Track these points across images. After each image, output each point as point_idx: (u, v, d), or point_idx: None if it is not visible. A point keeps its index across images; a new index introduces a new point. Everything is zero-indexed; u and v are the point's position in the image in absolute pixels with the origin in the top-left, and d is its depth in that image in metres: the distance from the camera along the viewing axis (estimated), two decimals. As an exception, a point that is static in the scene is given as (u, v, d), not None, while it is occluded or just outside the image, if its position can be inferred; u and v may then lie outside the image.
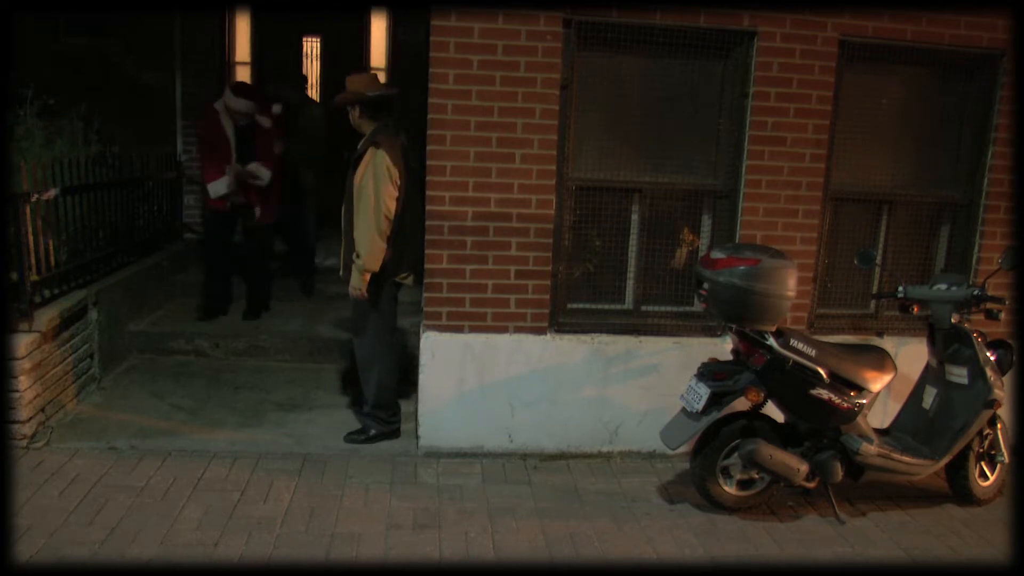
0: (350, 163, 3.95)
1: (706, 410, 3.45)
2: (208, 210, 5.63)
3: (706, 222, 4.26)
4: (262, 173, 5.40)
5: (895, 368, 3.67)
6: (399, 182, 3.84)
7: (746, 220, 4.13)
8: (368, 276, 3.85)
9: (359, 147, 3.93)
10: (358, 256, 3.83)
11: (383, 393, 4.15)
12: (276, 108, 5.65)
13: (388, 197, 3.80)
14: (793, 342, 3.45)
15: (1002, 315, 3.78)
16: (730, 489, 3.63)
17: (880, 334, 4.37)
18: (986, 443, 3.87)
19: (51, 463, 3.76)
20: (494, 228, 3.96)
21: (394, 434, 4.24)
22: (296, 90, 6.34)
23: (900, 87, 4.29)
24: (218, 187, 5.32)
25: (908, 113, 4.34)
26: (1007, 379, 3.77)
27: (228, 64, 7.25)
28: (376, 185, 3.78)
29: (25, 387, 3.84)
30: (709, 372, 3.53)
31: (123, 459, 3.85)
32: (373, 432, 4.19)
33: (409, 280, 4.11)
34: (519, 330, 4.06)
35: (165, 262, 5.90)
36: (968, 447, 3.76)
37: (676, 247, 4.28)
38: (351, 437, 4.18)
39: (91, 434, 4.09)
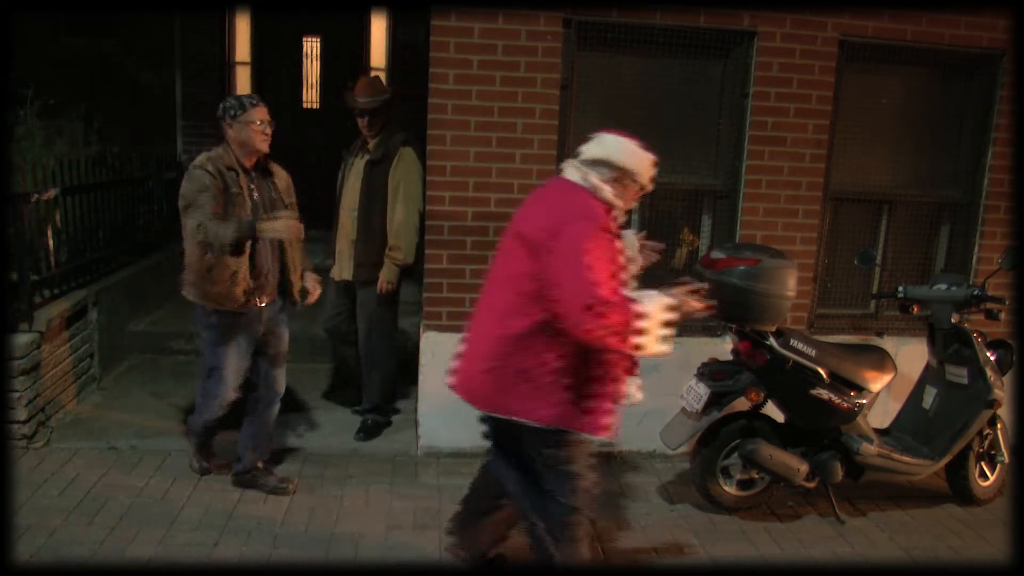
0: (370, 163, 3.99)
1: (706, 410, 3.45)
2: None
3: (706, 222, 4.26)
4: None
5: (895, 368, 3.67)
6: None
7: (746, 220, 4.13)
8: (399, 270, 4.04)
9: (379, 148, 3.99)
10: (395, 250, 3.97)
11: (389, 386, 4.30)
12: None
13: (420, 193, 3.98)
14: (793, 342, 3.44)
15: (1002, 315, 3.78)
16: (730, 489, 3.63)
17: (880, 334, 4.37)
18: (986, 443, 3.87)
19: (51, 463, 3.76)
20: (494, 228, 3.96)
21: (388, 423, 4.37)
22: None
23: (900, 87, 4.29)
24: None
25: (908, 113, 4.34)
26: (1007, 379, 3.77)
27: (228, 64, 7.25)
28: (416, 181, 3.97)
29: (25, 387, 3.84)
30: (709, 372, 3.53)
31: (123, 459, 3.85)
32: (371, 422, 4.27)
33: None
34: (519, 330, 4.05)
35: (165, 262, 5.90)
36: (968, 447, 3.76)
37: (676, 247, 4.28)
38: (359, 436, 4.22)
39: (91, 434, 4.09)
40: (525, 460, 2.55)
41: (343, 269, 4.15)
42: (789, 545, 3.43)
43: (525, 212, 2.55)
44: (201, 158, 3.32)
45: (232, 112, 3.27)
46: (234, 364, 3.42)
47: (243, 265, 3.29)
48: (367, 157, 4.02)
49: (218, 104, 3.34)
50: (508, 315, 2.43)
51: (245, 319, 3.39)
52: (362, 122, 4.00)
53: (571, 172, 2.55)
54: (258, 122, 3.29)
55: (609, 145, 2.55)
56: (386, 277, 4.01)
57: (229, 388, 3.44)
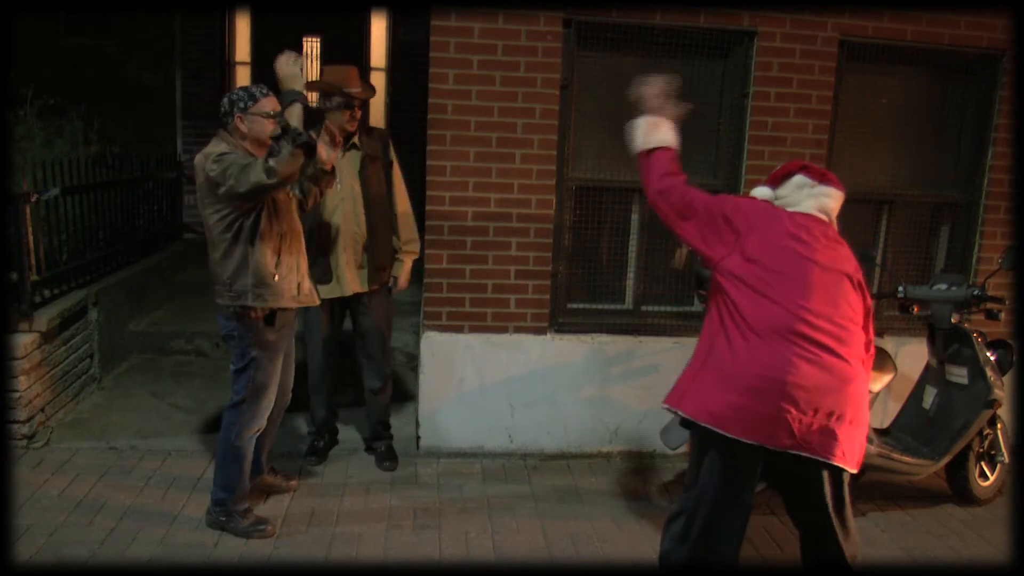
0: (368, 158, 3.73)
1: (706, 410, 3.44)
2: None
3: (706, 222, 4.25)
4: None
5: (895, 368, 3.67)
6: None
7: (746, 220, 4.12)
8: None
9: (373, 141, 3.79)
10: (413, 242, 3.91)
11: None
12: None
13: None
14: (793, 342, 3.43)
15: (1002, 315, 3.78)
16: (730, 489, 3.62)
17: (880, 334, 4.36)
18: (986, 443, 3.87)
19: (51, 463, 3.76)
20: (494, 228, 3.96)
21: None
22: None
23: (900, 87, 4.29)
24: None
25: (908, 113, 4.34)
26: (1007, 379, 3.77)
27: (228, 64, 7.26)
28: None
29: (25, 387, 3.84)
30: (709, 372, 3.51)
31: (123, 459, 3.85)
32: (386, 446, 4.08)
33: None
34: (519, 330, 4.06)
35: (165, 262, 5.91)
36: (968, 447, 3.76)
37: (676, 247, 4.28)
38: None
39: (91, 434, 4.09)
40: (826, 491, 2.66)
41: (353, 281, 3.74)
42: (789, 545, 3.43)
43: (828, 254, 2.83)
44: (219, 148, 2.98)
45: (242, 104, 3.02)
46: (277, 377, 3.21)
47: (302, 256, 3.23)
48: (361, 152, 3.74)
49: (219, 102, 3.11)
50: (862, 362, 2.61)
51: (290, 321, 3.23)
52: (354, 114, 3.63)
53: (820, 213, 2.96)
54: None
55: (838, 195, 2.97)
56: (407, 274, 3.91)
57: (272, 403, 3.25)
